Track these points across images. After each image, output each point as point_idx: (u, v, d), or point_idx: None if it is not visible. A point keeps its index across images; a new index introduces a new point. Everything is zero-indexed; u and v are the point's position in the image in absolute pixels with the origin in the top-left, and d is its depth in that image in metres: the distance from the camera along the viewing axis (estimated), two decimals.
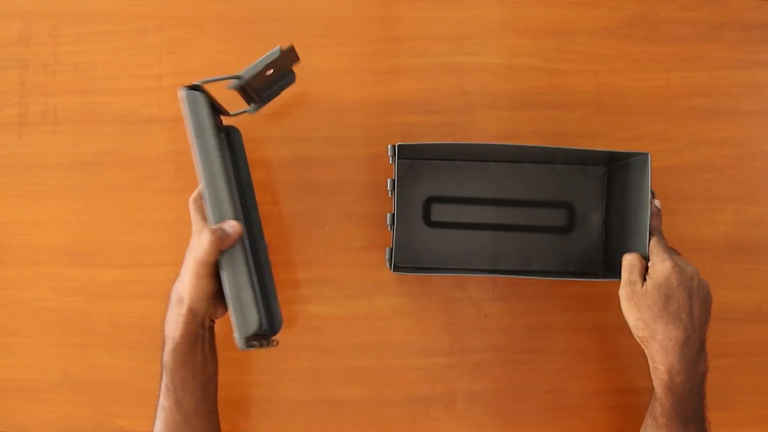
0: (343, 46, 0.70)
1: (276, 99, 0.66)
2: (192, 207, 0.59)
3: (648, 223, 0.57)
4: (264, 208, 0.68)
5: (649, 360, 0.56)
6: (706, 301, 0.56)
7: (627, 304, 0.56)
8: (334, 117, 0.69)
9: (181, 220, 0.69)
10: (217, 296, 0.56)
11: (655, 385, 0.56)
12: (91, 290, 0.69)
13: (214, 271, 0.55)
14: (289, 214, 0.69)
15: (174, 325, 0.56)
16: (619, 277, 0.57)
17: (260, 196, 0.68)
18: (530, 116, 0.69)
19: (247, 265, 0.56)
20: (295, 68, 0.65)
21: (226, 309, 0.57)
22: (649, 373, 0.56)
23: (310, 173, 0.69)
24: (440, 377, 0.68)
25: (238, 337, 0.54)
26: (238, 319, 0.54)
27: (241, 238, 0.56)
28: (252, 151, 0.68)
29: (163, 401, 0.56)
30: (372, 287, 0.68)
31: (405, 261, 0.65)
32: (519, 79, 0.69)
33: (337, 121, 0.69)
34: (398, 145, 0.58)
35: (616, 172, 0.65)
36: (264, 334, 0.61)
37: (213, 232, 0.54)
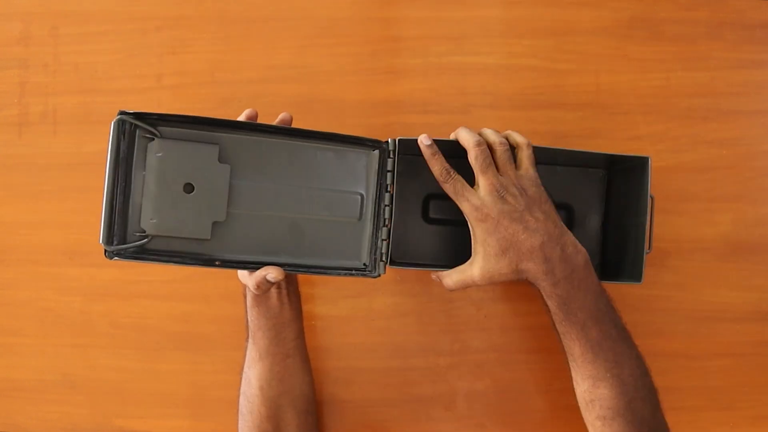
0: (343, 46, 0.70)
1: (276, 99, 0.66)
2: None
3: (646, 226, 0.57)
4: None
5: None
6: (532, 201, 0.55)
7: (482, 280, 0.55)
8: (334, 117, 0.69)
9: None
10: None
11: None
12: (91, 290, 0.69)
13: None
14: None
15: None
16: (617, 279, 0.57)
17: None
18: (530, 116, 0.69)
19: None
20: (296, 68, 0.65)
21: None
22: None
23: None
24: (440, 377, 0.68)
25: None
26: None
27: None
28: None
29: (248, 337, 0.62)
30: (372, 287, 0.68)
31: (402, 257, 0.65)
32: (519, 79, 0.69)
33: (337, 121, 0.69)
34: (399, 140, 0.58)
35: (617, 174, 0.65)
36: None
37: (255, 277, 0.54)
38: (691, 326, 0.67)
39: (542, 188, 0.56)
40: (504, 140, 0.56)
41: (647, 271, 0.64)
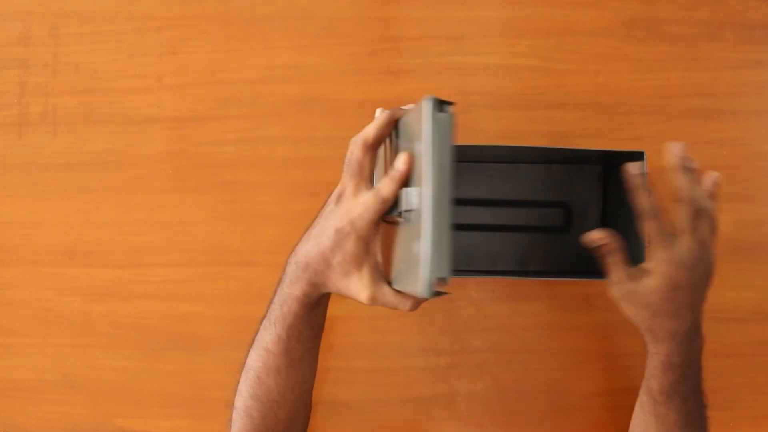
0: (343, 46, 0.70)
1: (276, 99, 0.67)
2: (360, 154, 0.49)
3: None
4: (264, 208, 0.68)
5: (647, 340, 0.55)
6: (708, 281, 0.54)
7: (622, 303, 0.54)
8: (334, 117, 0.69)
9: (181, 219, 0.69)
10: None
11: (651, 365, 0.55)
12: (91, 290, 0.69)
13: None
14: (289, 214, 0.69)
15: (315, 281, 0.51)
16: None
17: (260, 196, 0.68)
18: (530, 116, 0.69)
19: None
20: (296, 68, 0.65)
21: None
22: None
23: (310, 173, 0.69)
24: (440, 377, 0.68)
25: (426, 282, 0.43)
26: (434, 261, 0.43)
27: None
28: (252, 151, 0.68)
29: (271, 346, 0.54)
30: None
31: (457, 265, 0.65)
32: (519, 79, 0.69)
33: (337, 121, 0.69)
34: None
35: (613, 171, 0.65)
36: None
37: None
38: None
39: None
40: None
41: None
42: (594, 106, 0.69)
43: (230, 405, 0.66)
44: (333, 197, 0.52)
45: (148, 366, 0.69)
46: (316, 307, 0.54)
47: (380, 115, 0.51)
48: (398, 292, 0.49)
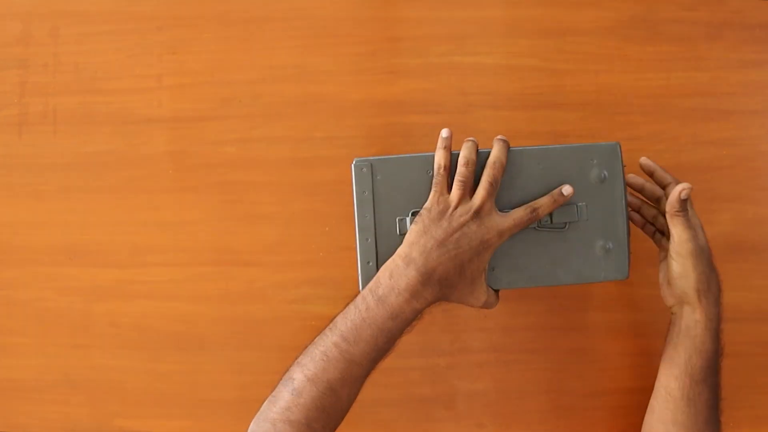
0: (343, 46, 0.70)
1: (276, 99, 0.67)
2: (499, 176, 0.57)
3: (625, 213, 0.58)
4: (264, 208, 0.68)
5: (699, 315, 0.57)
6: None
7: (695, 260, 0.56)
8: (334, 117, 0.69)
9: (181, 219, 0.69)
10: None
11: (699, 337, 0.57)
12: (91, 290, 0.69)
13: None
14: (289, 214, 0.69)
15: (443, 291, 0.55)
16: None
17: (260, 196, 0.68)
18: (530, 116, 0.69)
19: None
20: (296, 68, 0.65)
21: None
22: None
23: (310, 173, 0.69)
24: (440, 377, 0.68)
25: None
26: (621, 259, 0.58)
27: None
28: (252, 151, 0.68)
29: (359, 356, 0.54)
30: None
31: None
32: (519, 79, 0.69)
33: (337, 121, 0.69)
34: (373, 163, 0.58)
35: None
36: None
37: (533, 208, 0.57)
38: None
39: None
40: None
41: (648, 271, 0.64)
42: (594, 106, 0.69)
43: (230, 405, 0.66)
44: (435, 211, 0.55)
45: (148, 366, 0.69)
46: (412, 322, 0.56)
47: (468, 144, 0.58)
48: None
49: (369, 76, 0.69)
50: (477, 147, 0.57)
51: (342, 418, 0.56)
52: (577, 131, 0.69)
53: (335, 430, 0.56)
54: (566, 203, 0.57)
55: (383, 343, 0.55)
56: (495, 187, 0.56)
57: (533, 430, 0.68)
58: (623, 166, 0.58)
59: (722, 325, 0.58)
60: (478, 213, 0.55)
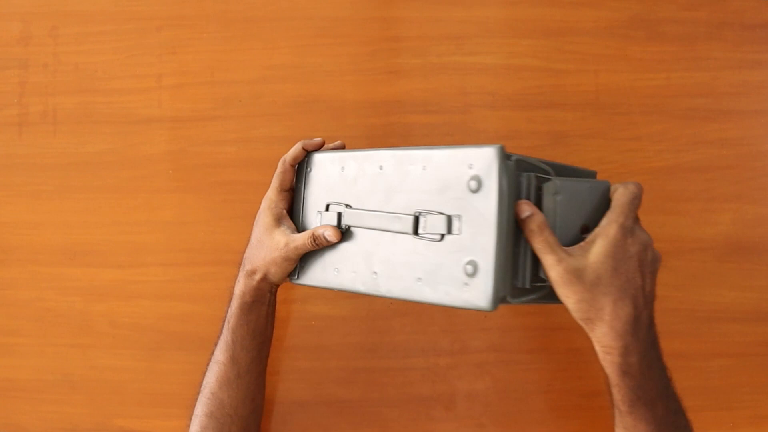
0: (343, 46, 0.70)
1: (276, 99, 0.66)
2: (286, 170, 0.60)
3: (496, 230, 0.47)
4: None
5: (596, 345, 0.50)
6: (654, 276, 0.50)
7: (566, 288, 0.47)
8: (334, 117, 0.69)
9: (181, 219, 0.69)
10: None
11: (608, 372, 0.50)
12: (91, 290, 0.69)
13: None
14: None
15: (244, 286, 0.59)
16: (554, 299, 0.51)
17: (260, 196, 0.68)
18: (530, 116, 0.69)
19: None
20: (296, 68, 0.65)
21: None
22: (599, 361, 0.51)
23: None
24: (440, 377, 0.68)
25: (492, 295, 0.47)
26: (498, 276, 0.47)
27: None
28: (252, 151, 0.68)
29: (219, 356, 0.59)
30: None
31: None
32: (519, 79, 0.69)
33: (337, 121, 0.69)
34: (308, 158, 0.60)
35: None
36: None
37: (314, 236, 0.56)
38: (691, 326, 0.67)
39: None
40: None
41: None
42: (594, 106, 0.69)
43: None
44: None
45: (148, 366, 0.69)
46: (251, 307, 0.59)
47: (296, 144, 0.60)
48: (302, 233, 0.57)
49: (369, 76, 0.70)
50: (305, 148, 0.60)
51: (235, 424, 0.59)
52: (577, 131, 0.69)
53: None
54: (440, 213, 0.49)
55: (227, 335, 0.59)
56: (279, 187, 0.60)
57: (533, 430, 0.68)
58: (507, 173, 0.47)
59: (642, 356, 0.50)
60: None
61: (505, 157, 0.47)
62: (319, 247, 0.56)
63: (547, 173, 0.50)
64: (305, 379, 0.68)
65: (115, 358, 0.69)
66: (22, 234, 0.70)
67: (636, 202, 0.50)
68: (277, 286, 0.60)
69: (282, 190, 0.60)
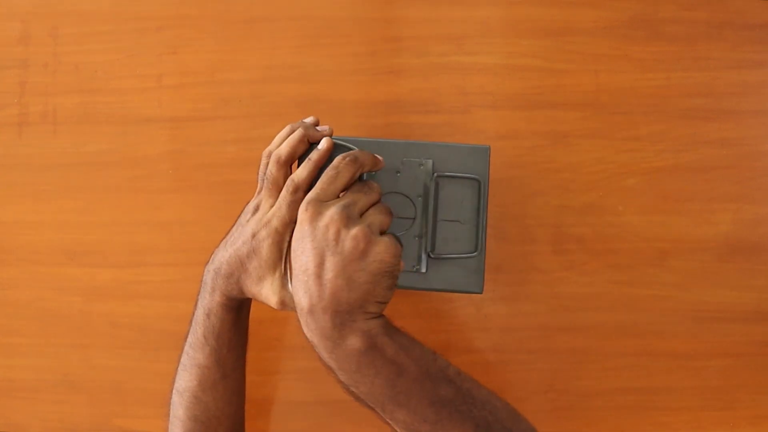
0: (343, 46, 0.70)
1: (276, 99, 0.66)
2: (275, 171, 0.52)
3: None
4: None
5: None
6: (363, 256, 0.44)
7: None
8: (334, 117, 0.69)
9: (181, 219, 0.69)
10: None
11: None
12: (91, 290, 0.69)
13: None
14: None
15: (225, 289, 0.53)
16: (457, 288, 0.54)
17: None
18: (530, 116, 0.69)
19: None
20: (296, 68, 0.65)
21: None
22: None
23: None
24: None
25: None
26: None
27: None
28: (252, 151, 0.68)
29: (203, 359, 0.55)
30: None
31: None
32: (519, 79, 0.69)
33: (337, 121, 0.69)
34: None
35: None
36: None
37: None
38: (691, 326, 0.67)
39: None
40: None
41: (648, 271, 0.64)
42: (594, 106, 0.69)
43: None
44: (249, 209, 0.54)
45: (148, 366, 0.69)
46: (239, 311, 0.55)
47: (294, 134, 0.53)
48: None
49: (369, 76, 0.70)
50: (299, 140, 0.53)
51: (222, 425, 0.57)
52: (577, 131, 0.69)
53: None
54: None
55: (213, 341, 0.54)
56: (274, 186, 0.52)
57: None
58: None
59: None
60: (255, 209, 0.53)
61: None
62: None
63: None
64: (305, 379, 0.68)
65: (115, 358, 0.69)
66: (22, 234, 0.70)
67: (330, 172, 0.48)
68: None
69: (292, 221, 0.50)
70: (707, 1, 0.70)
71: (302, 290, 0.44)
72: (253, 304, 0.60)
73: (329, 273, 0.43)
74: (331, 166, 0.48)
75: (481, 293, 0.54)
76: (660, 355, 0.67)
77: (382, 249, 0.45)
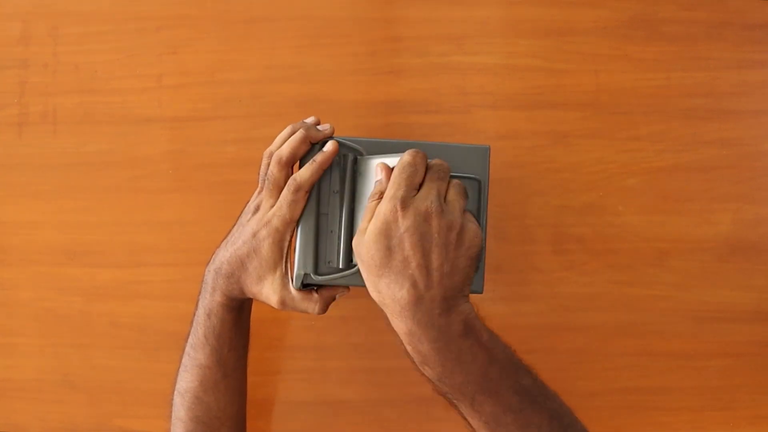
0: (343, 46, 0.70)
1: (276, 99, 0.66)
2: (277, 172, 0.53)
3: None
4: None
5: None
6: (453, 248, 0.45)
7: (357, 260, 0.47)
8: (334, 117, 0.69)
9: (181, 219, 0.69)
10: None
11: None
12: (91, 290, 0.69)
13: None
14: None
15: (226, 289, 0.54)
16: None
17: None
18: (530, 116, 0.69)
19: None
20: (296, 68, 0.65)
21: None
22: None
23: None
24: None
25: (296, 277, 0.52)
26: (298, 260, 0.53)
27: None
28: (252, 151, 0.68)
29: (204, 360, 0.55)
30: None
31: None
32: (519, 79, 0.69)
33: (337, 121, 0.69)
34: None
35: None
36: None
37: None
38: (691, 326, 0.67)
39: None
40: None
41: (648, 271, 0.64)
42: (594, 106, 0.69)
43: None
44: (250, 209, 0.54)
45: (148, 366, 0.69)
46: (240, 311, 0.56)
47: (295, 135, 0.54)
48: (305, 295, 0.53)
49: (369, 76, 0.70)
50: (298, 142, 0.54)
51: (224, 425, 0.57)
52: (577, 131, 0.69)
53: None
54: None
55: (213, 341, 0.55)
56: (275, 186, 0.53)
57: None
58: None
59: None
60: (256, 209, 0.54)
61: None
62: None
63: (360, 153, 0.53)
64: (305, 379, 0.68)
65: (115, 358, 0.69)
66: (22, 234, 0.70)
67: (408, 169, 0.47)
68: None
69: (293, 221, 0.52)
70: (707, 1, 0.70)
71: (406, 284, 0.44)
72: (254, 304, 0.60)
73: (435, 262, 0.44)
74: (408, 163, 0.48)
75: (481, 293, 0.54)
76: (660, 355, 0.67)
77: (473, 233, 0.47)
